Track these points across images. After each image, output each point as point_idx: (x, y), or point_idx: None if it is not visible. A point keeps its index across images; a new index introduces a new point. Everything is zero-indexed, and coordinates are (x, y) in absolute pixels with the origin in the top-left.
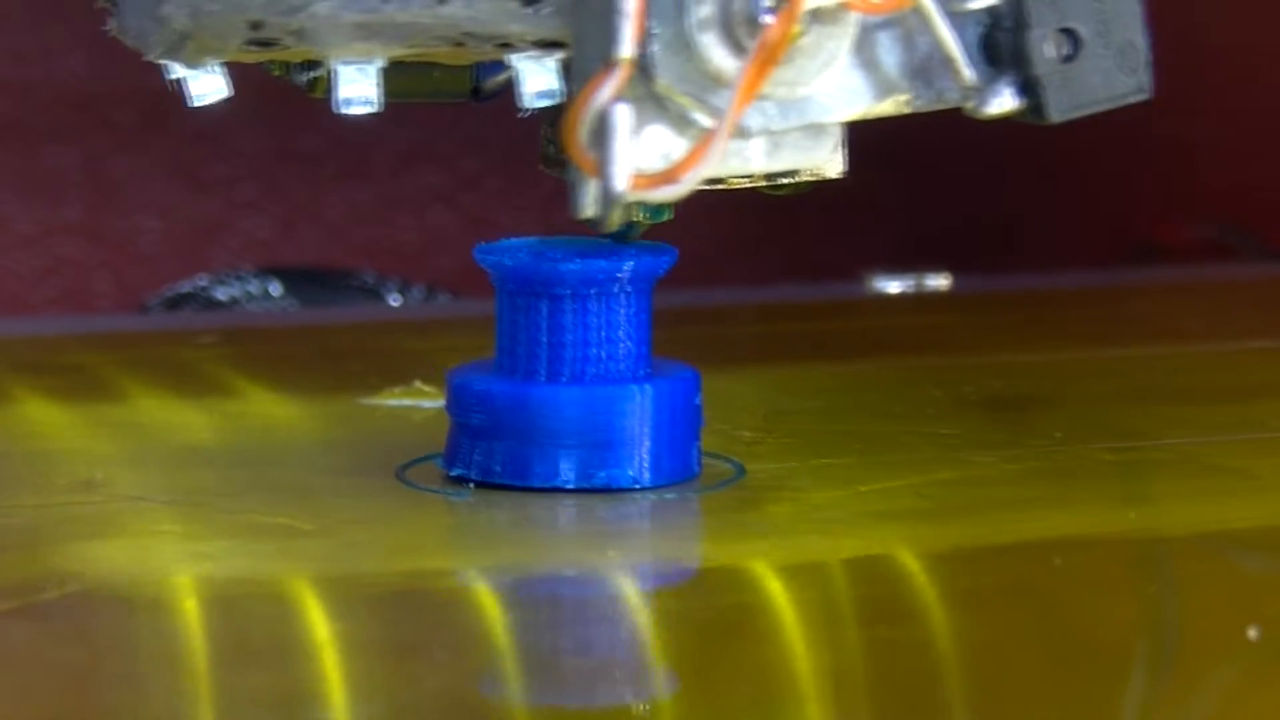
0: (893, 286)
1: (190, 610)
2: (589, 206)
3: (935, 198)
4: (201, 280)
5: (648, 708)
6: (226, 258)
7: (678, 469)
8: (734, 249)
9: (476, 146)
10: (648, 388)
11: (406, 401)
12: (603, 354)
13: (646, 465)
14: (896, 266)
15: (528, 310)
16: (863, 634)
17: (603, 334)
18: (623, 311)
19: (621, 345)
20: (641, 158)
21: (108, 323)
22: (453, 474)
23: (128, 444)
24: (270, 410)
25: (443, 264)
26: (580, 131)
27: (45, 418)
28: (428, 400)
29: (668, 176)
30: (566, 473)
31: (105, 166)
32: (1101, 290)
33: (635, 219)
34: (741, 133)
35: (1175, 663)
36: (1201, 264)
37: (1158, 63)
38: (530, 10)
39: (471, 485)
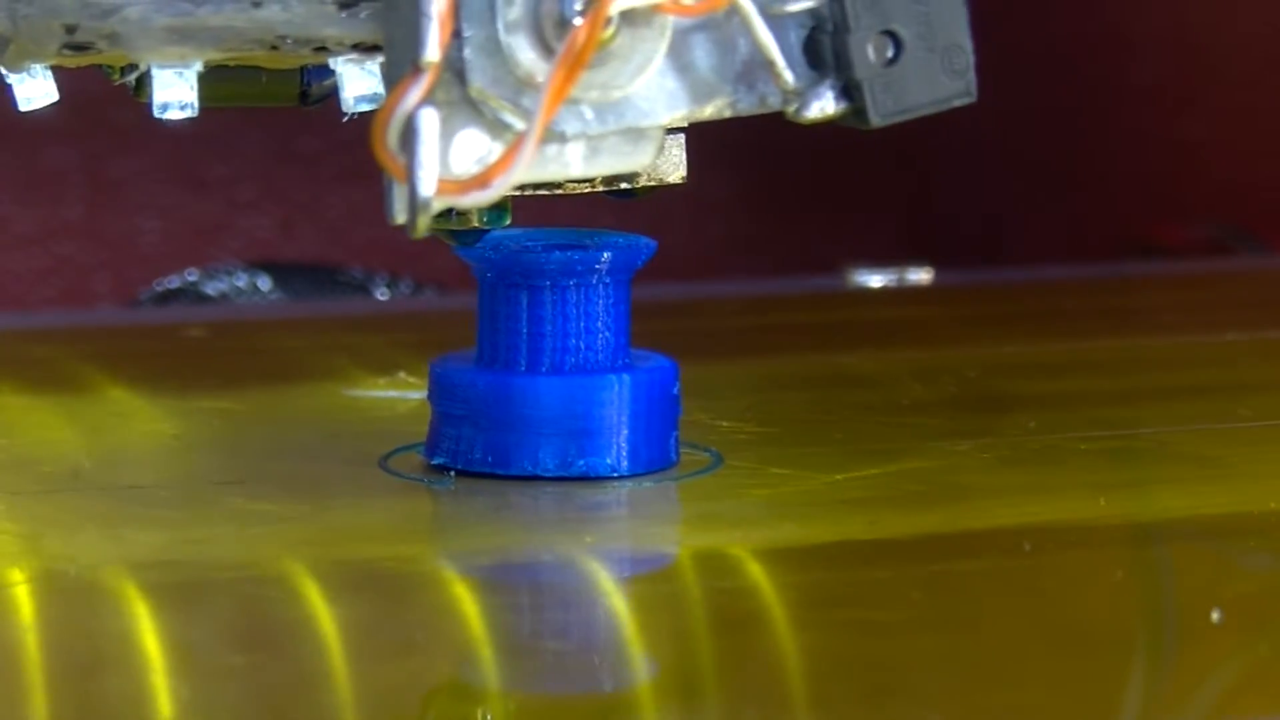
0: (874, 280)
1: (175, 594)
2: (399, 213)
3: (934, 197)
4: (191, 275)
5: (625, 693)
6: (227, 258)
7: (656, 457)
8: (722, 245)
9: None
10: (626, 377)
11: (391, 393)
12: (581, 344)
13: (625, 454)
14: (890, 263)
15: (507, 301)
16: (837, 617)
17: (581, 324)
18: (601, 302)
19: (600, 335)
20: (457, 162)
21: (97, 316)
22: (434, 463)
23: (116, 435)
24: (256, 402)
25: (444, 264)
26: (388, 136)
27: (36, 409)
28: (412, 391)
29: (478, 181)
30: (546, 461)
31: (105, 166)
32: (1081, 283)
33: (479, 223)
34: (557, 137)
35: (1140, 644)
36: (1186, 259)
37: (1157, 63)
38: (345, 13)
39: (453, 473)
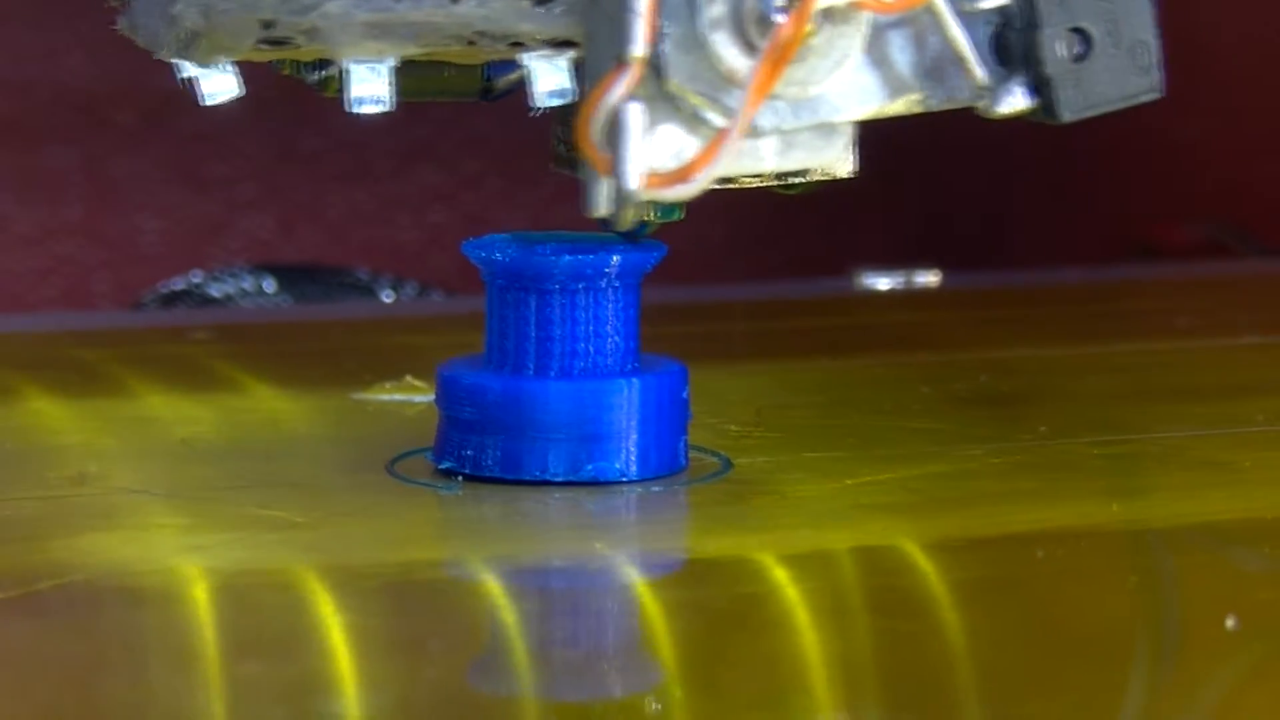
0: (882, 283)
1: (184, 601)
2: (602, 205)
3: (934, 197)
4: (196, 277)
5: (635, 699)
6: (227, 258)
7: (665, 462)
8: (724, 246)
9: (476, 146)
10: (635, 382)
11: (398, 396)
12: (590, 348)
13: (634, 458)
14: (889, 265)
15: (516, 305)
16: (849, 625)
17: (591, 328)
18: (610, 306)
19: (609, 340)
20: (654, 157)
21: (103, 319)
22: (442, 467)
23: (122, 438)
24: (263, 405)
25: (443, 264)
26: (593, 130)
27: (42, 412)
28: (419, 395)
29: (680, 175)
30: (555, 466)
31: (105, 166)
32: (1090, 286)
33: (647, 218)
34: (754, 132)
35: (1156, 652)
36: (1198, 262)
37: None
38: (542, 9)
39: (461, 478)
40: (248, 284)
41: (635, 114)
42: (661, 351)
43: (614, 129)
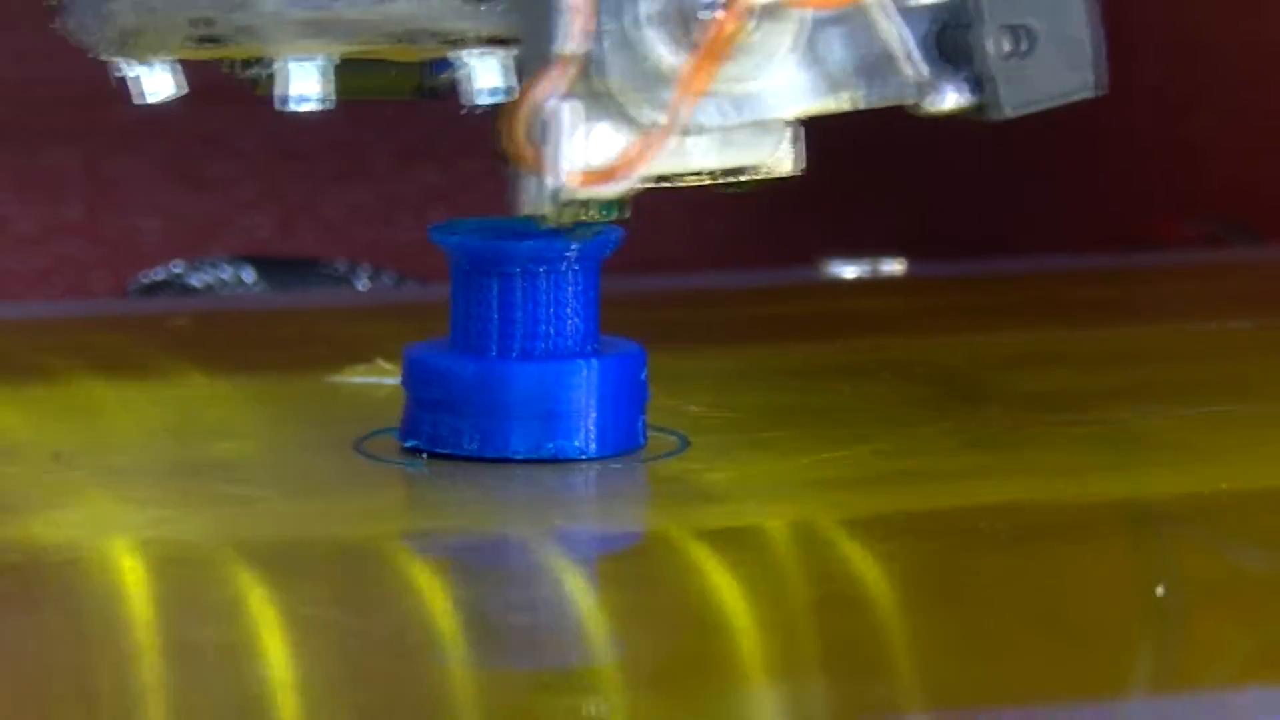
0: (848, 271)
1: (151, 572)
2: (530, 203)
3: (934, 195)
4: (177, 267)
5: (590, 669)
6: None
7: (623, 440)
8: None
9: (476, 146)
10: (594, 363)
11: (368, 379)
12: (551, 330)
13: (593, 436)
14: (867, 255)
15: (479, 288)
16: (797, 595)
17: (551, 311)
18: (571, 289)
19: (570, 322)
20: (588, 154)
21: (83, 307)
22: (408, 446)
23: (97, 421)
24: (236, 389)
25: (442, 264)
26: (523, 127)
27: (18, 395)
28: (389, 377)
29: (612, 173)
30: (516, 444)
31: (105, 166)
32: (1052, 274)
33: (588, 217)
34: (687, 129)
35: (1084, 617)
36: (1170, 251)
37: (1158, 60)
38: (478, 7)
39: (425, 456)
40: (227, 274)
41: (566, 111)
42: (627, 336)
43: (545, 126)
